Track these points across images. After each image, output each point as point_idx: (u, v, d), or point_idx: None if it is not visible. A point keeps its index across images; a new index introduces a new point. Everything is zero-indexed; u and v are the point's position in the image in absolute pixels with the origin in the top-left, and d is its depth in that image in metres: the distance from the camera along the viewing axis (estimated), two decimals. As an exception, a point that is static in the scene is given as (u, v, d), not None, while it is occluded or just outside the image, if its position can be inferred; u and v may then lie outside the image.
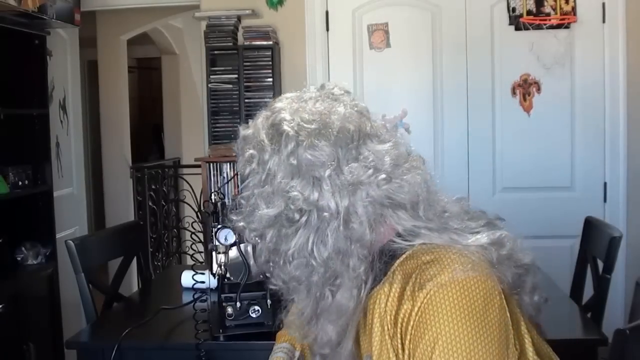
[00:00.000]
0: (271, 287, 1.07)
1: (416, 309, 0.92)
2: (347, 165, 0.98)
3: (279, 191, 0.99)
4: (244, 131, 1.07)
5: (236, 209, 1.06)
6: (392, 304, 0.96)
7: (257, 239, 1.03)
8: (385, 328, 0.96)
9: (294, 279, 1.01)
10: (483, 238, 1.00)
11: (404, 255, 0.99)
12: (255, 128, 1.05)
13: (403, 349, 0.94)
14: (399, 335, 0.95)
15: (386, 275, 0.99)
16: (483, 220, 1.06)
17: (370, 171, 0.98)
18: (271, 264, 1.04)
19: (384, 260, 1.00)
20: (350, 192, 0.97)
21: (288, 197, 0.98)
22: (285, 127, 1.00)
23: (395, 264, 0.99)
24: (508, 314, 0.93)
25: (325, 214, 0.97)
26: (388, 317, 0.96)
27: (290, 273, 1.00)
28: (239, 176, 1.12)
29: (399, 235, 1.00)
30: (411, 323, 0.93)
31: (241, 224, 1.05)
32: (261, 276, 1.66)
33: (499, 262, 0.98)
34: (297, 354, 1.35)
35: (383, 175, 0.98)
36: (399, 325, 0.95)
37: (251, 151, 1.03)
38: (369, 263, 0.99)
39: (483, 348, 0.88)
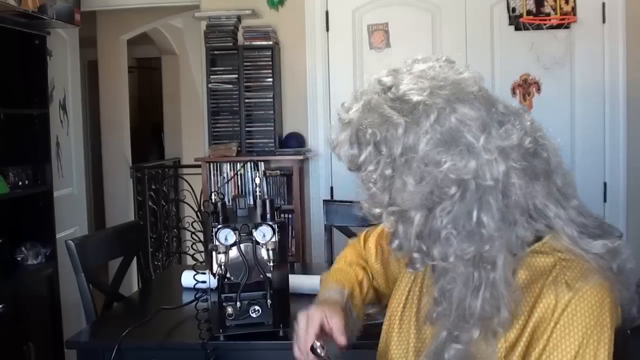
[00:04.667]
0: (418, 266, 0.99)
1: (559, 310, 0.94)
2: (496, 129, 0.93)
3: (428, 164, 0.92)
4: (347, 114, 0.99)
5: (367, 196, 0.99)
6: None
7: (397, 222, 0.97)
8: None
9: (464, 253, 0.93)
10: (600, 247, 0.98)
11: (534, 246, 0.98)
12: (370, 106, 0.96)
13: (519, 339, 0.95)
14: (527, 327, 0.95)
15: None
16: (597, 220, 1.04)
17: (521, 133, 0.95)
18: (423, 244, 0.96)
19: None
20: (505, 157, 0.93)
21: (442, 169, 0.91)
22: (418, 97, 0.93)
23: (526, 251, 0.98)
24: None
25: (487, 182, 0.91)
26: None
27: (458, 247, 0.93)
28: (348, 164, 1.00)
29: (528, 212, 0.97)
30: (552, 323, 0.94)
31: (377, 210, 0.98)
32: (261, 276, 1.68)
33: (621, 272, 0.98)
34: (348, 300, 1.27)
35: (529, 139, 0.95)
36: (534, 316, 0.95)
37: (370, 130, 0.94)
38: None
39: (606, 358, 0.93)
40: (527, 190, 0.95)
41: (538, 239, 0.99)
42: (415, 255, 0.98)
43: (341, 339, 1.12)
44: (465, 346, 0.95)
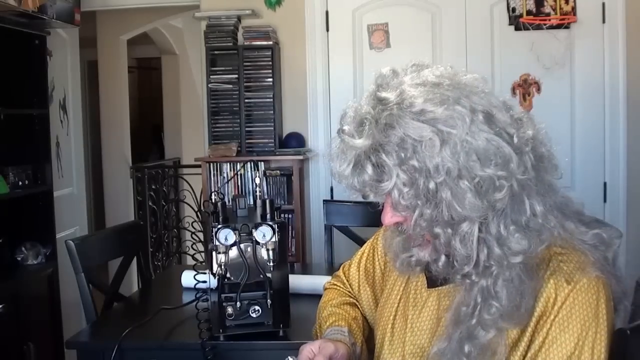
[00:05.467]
0: (475, 278, 0.98)
1: (559, 303, 0.95)
2: (517, 124, 0.95)
3: (471, 171, 0.91)
4: (355, 139, 0.93)
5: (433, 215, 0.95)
6: None
7: (454, 235, 0.95)
8: None
9: (520, 252, 0.94)
10: (594, 235, 1.00)
11: None
12: (385, 125, 0.92)
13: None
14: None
15: None
16: (588, 216, 1.07)
17: (533, 124, 0.98)
18: (486, 248, 0.96)
19: None
20: (531, 147, 0.95)
21: (487, 175, 0.91)
22: (440, 108, 0.91)
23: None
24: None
25: (526, 176, 0.94)
26: None
27: (517, 246, 0.94)
28: (369, 188, 0.95)
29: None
30: (551, 316, 0.95)
31: (437, 230, 0.96)
32: (261, 276, 1.68)
33: (616, 260, 1.00)
34: (357, 348, 1.25)
35: (531, 131, 0.98)
36: (535, 310, 0.96)
37: (397, 148, 0.91)
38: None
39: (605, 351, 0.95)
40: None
41: None
42: (467, 269, 0.97)
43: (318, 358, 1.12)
44: (485, 339, 0.97)
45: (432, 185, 0.91)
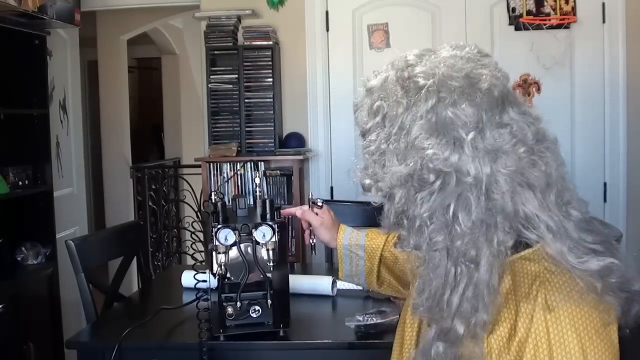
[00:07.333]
0: (405, 248, 0.98)
1: (539, 324, 0.91)
2: (490, 131, 0.92)
3: (414, 148, 0.92)
4: (369, 82, 1.02)
5: (364, 165, 0.99)
6: None
7: (384, 198, 0.97)
8: None
9: (433, 244, 0.93)
10: (592, 264, 0.92)
11: (523, 252, 0.95)
12: (387, 80, 0.99)
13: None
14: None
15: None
16: (600, 236, 0.98)
17: (514, 140, 0.92)
18: (402, 227, 0.97)
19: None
20: (491, 159, 0.91)
21: (424, 155, 0.91)
22: (424, 81, 0.93)
23: (515, 256, 0.95)
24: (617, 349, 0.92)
25: (467, 179, 0.90)
26: None
27: (428, 237, 0.93)
28: (359, 129, 1.03)
29: (518, 220, 0.94)
30: (530, 337, 0.91)
31: (367, 181, 0.98)
32: (261, 276, 1.68)
33: (605, 292, 0.92)
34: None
35: (524, 148, 0.93)
36: (519, 325, 0.93)
37: (379, 102, 0.97)
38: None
39: None
40: (515, 197, 0.92)
41: (528, 246, 0.96)
42: (404, 233, 0.98)
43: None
44: (450, 345, 0.93)
45: (385, 145, 0.96)
